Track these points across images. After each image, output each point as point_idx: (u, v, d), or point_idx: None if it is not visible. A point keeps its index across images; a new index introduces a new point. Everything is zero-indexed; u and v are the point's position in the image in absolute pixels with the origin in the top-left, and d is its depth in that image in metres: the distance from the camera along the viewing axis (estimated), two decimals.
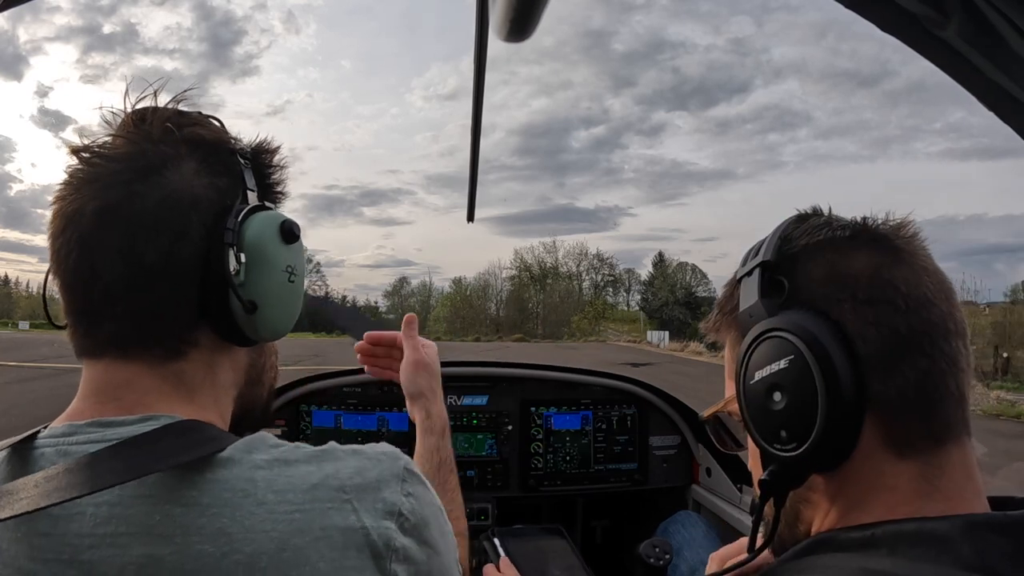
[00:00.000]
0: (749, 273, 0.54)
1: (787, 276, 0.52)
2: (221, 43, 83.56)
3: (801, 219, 0.56)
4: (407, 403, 0.89)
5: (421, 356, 0.89)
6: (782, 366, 0.49)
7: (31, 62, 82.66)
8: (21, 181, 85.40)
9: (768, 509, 0.55)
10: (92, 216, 0.51)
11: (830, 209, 0.58)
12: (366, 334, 0.95)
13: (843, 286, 0.49)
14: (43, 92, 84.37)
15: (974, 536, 0.43)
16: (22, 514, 0.43)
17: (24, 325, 42.73)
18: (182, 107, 0.59)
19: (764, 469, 0.52)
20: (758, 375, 0.52)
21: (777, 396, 0.50)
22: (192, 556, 0.45)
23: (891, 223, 0.54)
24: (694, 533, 1.53)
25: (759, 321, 0.52)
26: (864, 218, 0.54)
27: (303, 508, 0.48)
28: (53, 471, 0.46)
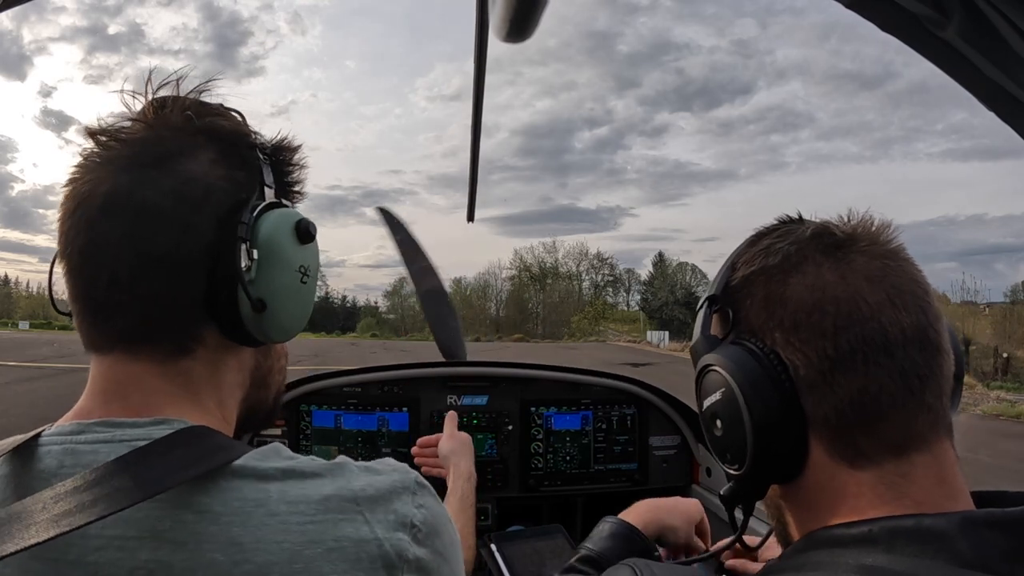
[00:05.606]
0: (701, 306, 0.58)
1: (732, 307, 0.55)
2: (227, 44, 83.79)
3: (753, 242, 0.57)
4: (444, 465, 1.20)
5: (453, 432, 1.25)
6: (717, 397, 0.54)
7: (35, 62, 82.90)
8: (23, 181, 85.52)
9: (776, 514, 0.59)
10: (102, 199, 0.50)
11: (798, 215, 0.57)
12: (418, 440, 1.29)
13: (772, 315, 0.52)
14: (46, 92, 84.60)
15: (972, 533, 0.43)
16: (33, 545, 0.41)
17: (24, 325, 42.76)
18: (203, 98, 0.58)
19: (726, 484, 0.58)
20: (705, 404, 0.57)
21: (718, 423, 0.55)
22: (203, 564, 0.44)
23: (846, 229, 0.53)
24: None
25: (702, 355, 0.56)
26: (814, 232, 0.53)
27: (315, 519, 0.48)
28: (62, 489, 0.45)
